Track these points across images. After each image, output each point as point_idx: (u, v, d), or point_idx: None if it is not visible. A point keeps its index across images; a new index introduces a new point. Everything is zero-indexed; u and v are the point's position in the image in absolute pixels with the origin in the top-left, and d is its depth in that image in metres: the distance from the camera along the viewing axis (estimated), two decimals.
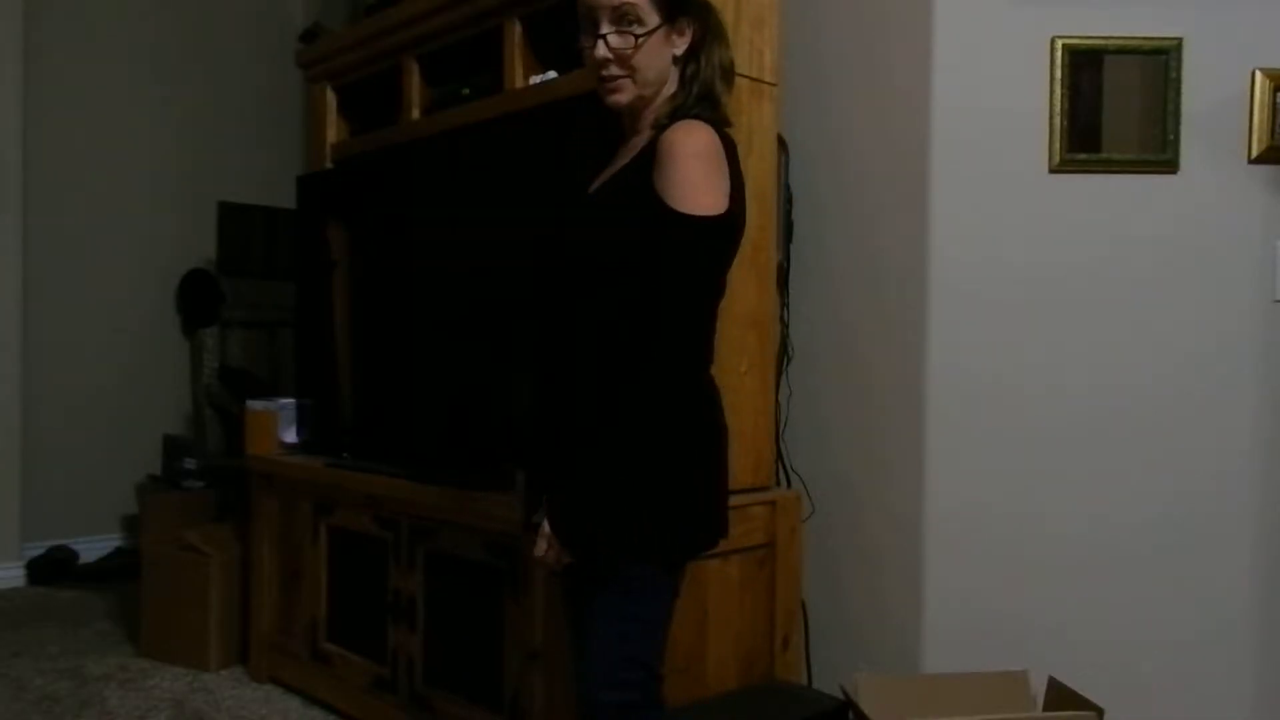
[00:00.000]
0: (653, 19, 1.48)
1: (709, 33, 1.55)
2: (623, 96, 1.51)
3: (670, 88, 1.54)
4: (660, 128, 1.49)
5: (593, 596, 1.50)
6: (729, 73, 1.58)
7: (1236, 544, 2.18)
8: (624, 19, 1.46)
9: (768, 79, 2.26)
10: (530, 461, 1.67)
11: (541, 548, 1.48)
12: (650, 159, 1.45)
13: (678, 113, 1.50)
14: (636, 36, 1.47)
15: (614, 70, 1.49)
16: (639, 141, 1.54)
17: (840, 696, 2.08)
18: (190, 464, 3.49)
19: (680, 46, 1.52)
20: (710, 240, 1.44)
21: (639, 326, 1.40)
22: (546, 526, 1.47)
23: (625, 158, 1.55)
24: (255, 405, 3.07)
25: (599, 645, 1.49)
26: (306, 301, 3.12)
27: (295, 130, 4.54)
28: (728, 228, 1.46)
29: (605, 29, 1.47)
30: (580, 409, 1.47)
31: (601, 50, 1.48)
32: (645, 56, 1.48)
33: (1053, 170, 2.19)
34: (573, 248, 1.53)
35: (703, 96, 1.52)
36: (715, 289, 1.51)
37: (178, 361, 4.39)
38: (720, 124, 1.51)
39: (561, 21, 2.39)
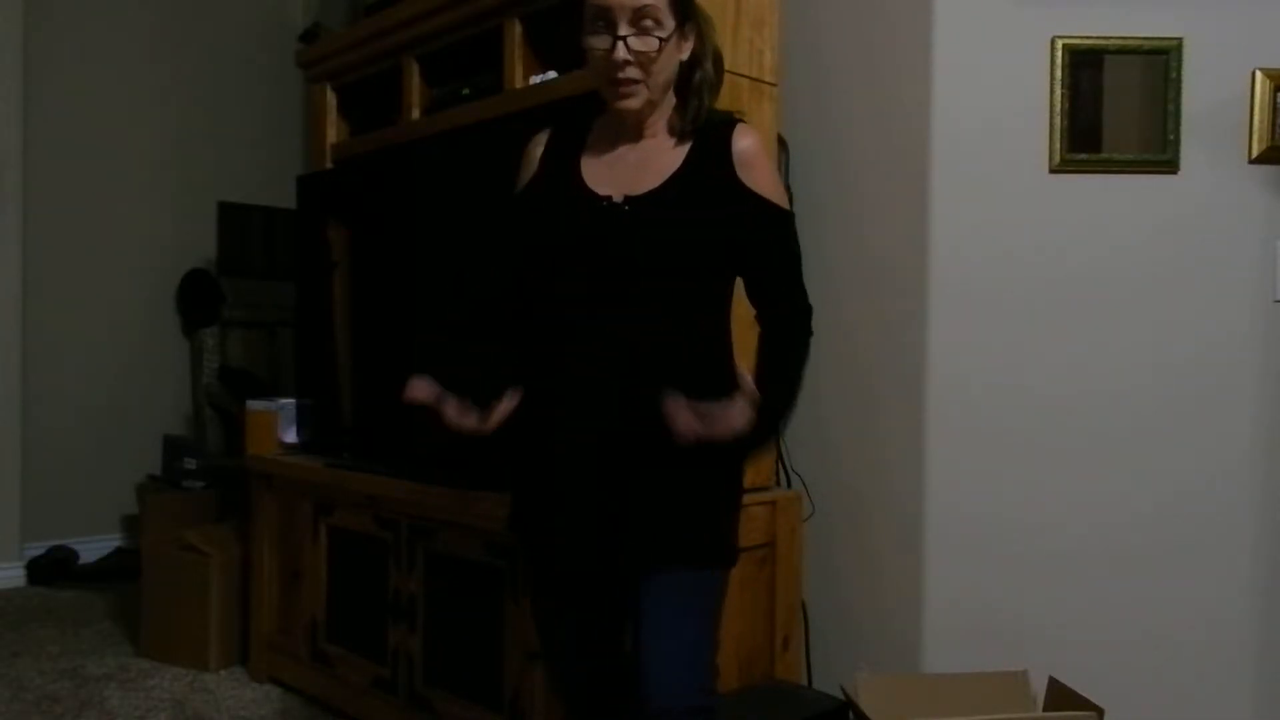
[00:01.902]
0: (670, 22, 1.46)
1: (703, 38, 1.54)
2: (636, 102, 1.49)
3: (671, 95, 1.54)
4: (683, 134, 1.52)
5: (668, 605, 1.49)
6: (720, 73, 1.60)
7: (1237, 544, 2.18)
8: (643, 21, 1.44)
9: (768, 79, 2.26)
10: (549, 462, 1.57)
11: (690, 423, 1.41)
12: (711, 165, 1.50)
13: (700, 119, 1.53)
14: (660, 40, 1.44)
15: (633, 74, 1.46)
16: (660, 145, 1.53)
17: (840, 696, 2.08)
18: (190, 464, 3.48)
19: (686, 52, 1.52)
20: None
21: (710, 325, 1.56)
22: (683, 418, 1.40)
23: (656, 162, 1.52)
24: (255, 405, 3.07)
25: (687, 652, 1.49)
26: (306, 301, 3.12)
27: (295, 130, 4.54)
28: None
29: (624, 31, 1.44)
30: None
31: (621, 52, 1.44)
32: (662, 61, 1.47)
33: (1053, 170, 2.19)
34: (639, 249, 1.48)
35: (711, 103, 1.55)
36: None
37: (178, 361, 4.39)
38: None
39: (561, 21, 2.40)
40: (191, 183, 4.43)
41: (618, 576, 1.55)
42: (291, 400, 3.07)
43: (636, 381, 1.47)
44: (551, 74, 2.40)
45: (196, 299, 4.30)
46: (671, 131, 1.53)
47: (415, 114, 2.83)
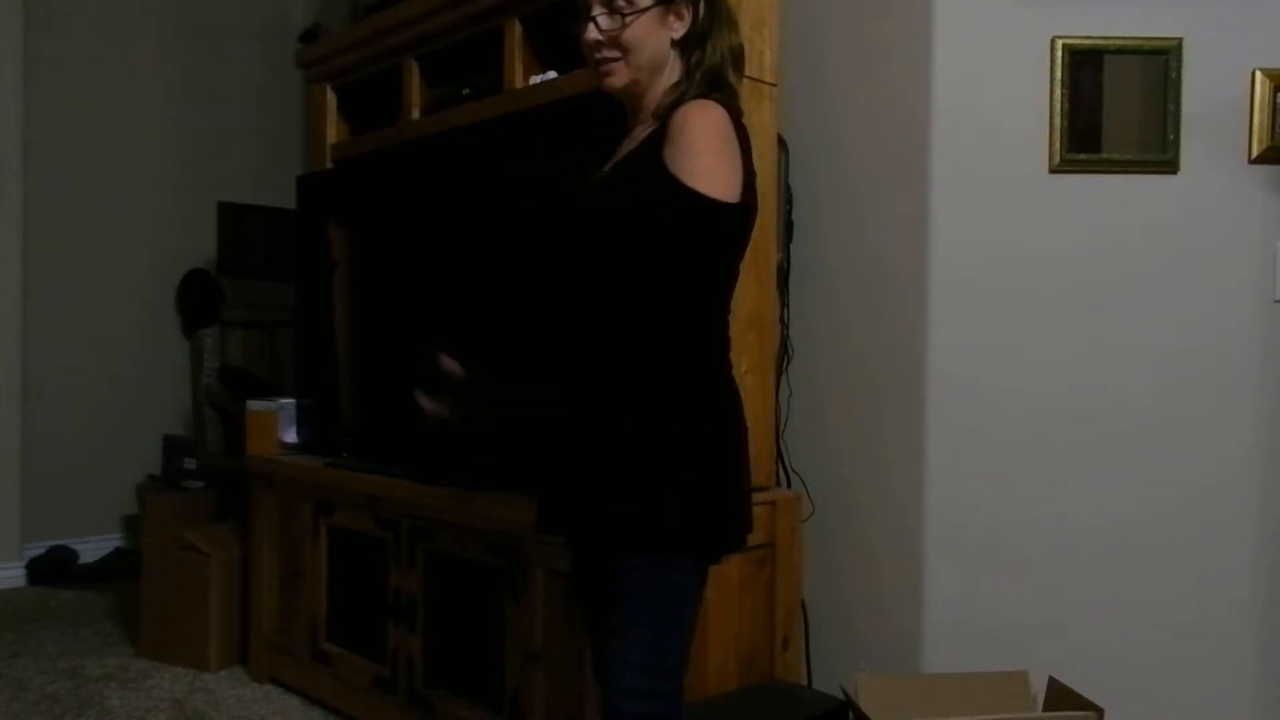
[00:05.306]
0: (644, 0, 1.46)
1: (716, 20, 1.50)
2: (616, 79, 1.49)
3: (672, 75, 1.50)
4: (665, 116, 1.44)
5: (621, 601, 1.44)
6: (739, 59, 1.53)
7: (1237, 543, 2.18)
8: (615, 1, 1.45)
9: (768, 79, 2.26)
10: (545, 460, 1.59)
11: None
12: (658, 143, 1.41)
13: (683, 99, 1.45)
14: (624, 15, 1.45)
15: (605, 53, 1.47)
16: (642, 131, 1.50)
17: (840, 696, 2.08)
18: (190, 464, 3.48)
19: (678, 30, 1.48)
20: (722, 223, 1.40)
21: (649, 315, 1.41)
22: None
23: (629, 148, 1.51)
24: (255, 405, 3.08)
25: (633, 654, 1.43)
26: (306, 301, 3.12)
27: (295, 130, 4.54)
28: (739, 216, 1.43)
29: (596, 11, 1.47)
30: (599, 402, 1.45)
31: (591, 33, 1.47)
32: (636, 36, 1.45)
33: (1053, 170, 2.19)
34: (581, 241, 1.48)
35: (710, 83, 1.48)
36: (727, 276, 1.50)
37: (178, 361, 4.39)
38: (732, 108, 1.46)
39: (561, 21, 2.41)
40: (191, 183, 4.43)
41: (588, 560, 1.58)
42: (291, 400, 3.07)
43: (585, 368, 1.47)
44: (551, 74, 2.40)
45: (196, 299, 4.30)
46: (658, 115, 1.48)
47: (415, 114, 2.83)
